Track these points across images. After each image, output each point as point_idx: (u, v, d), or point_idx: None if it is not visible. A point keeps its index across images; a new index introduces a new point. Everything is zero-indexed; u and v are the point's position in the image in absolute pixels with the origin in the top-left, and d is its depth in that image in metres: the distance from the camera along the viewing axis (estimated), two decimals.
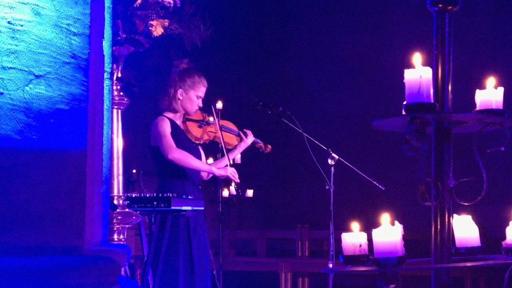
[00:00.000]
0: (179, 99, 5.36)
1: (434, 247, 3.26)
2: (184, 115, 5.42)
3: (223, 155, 5.65)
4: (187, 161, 5.27)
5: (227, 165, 5.46)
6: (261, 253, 9.74)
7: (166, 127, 5.28)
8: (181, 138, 5.35)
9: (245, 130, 5.66)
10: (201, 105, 5.43)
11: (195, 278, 5.28)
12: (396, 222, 3.04)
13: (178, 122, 5.39)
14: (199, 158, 5.47)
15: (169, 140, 5.24)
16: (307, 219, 10.11)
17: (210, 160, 5.81)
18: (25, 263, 2.97)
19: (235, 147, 5.62)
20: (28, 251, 3.03)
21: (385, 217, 3.03)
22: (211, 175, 5.68)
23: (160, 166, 5.37)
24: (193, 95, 5.36)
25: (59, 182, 3.11)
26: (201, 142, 5.50)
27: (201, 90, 5.39)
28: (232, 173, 5.40)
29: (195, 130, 5.41)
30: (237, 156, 5.97)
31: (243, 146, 5.62)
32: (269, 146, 5.80)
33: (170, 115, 5.38)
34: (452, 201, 3.26)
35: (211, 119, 5.48)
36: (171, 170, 5.32)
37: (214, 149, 5.81)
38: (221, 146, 5.53)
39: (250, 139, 5.63)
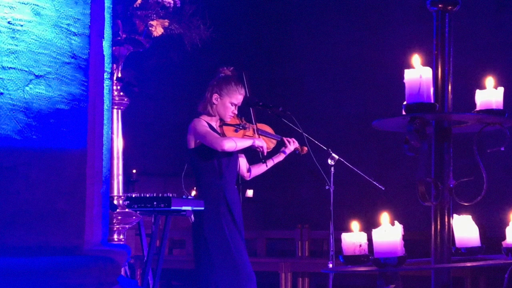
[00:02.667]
0: (214, 103, 5.43)
1: (434, 247, 3.26)
2: (220, 120, 5.48)
3: (258, 159, 5.67)
4: (237, 143, 5.34)
5: (266, 165, 5.56)
6: (261, 253, 9.73)
7: (205, 125, 5.36)
8: None
9: (288, 138, 5.70)
10: (236, 112, 5.47)
11: (241, 278, 5.29)
12: (396, 222, 3.04)
13: (215, 125, 5.44)
14: (236, 161, 5.52)
15: (214, 135, 5.31)
16: (307, 219, 10.11)
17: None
18: (25, 263, 2.97)
19: (274, 150, 5.67)
20: (28, 251, 3.03)
21: (384, 217, 3.03)
22: (253, 176, 5.74)
23: (198, 168, 5.40)
24: (227, 102, 5.42)
25: (59, 182, 3.11)
26: None
27: (236, 98, 5.44)
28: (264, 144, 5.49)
29: (231, 135, 5.44)
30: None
31: (286, 151, 5.70)
32: (305, 148, 5.81)
33: (206, 118, 5.44)
34: (452, 201, 3.26)
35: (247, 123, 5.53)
36: (209, 171, 5.36)
37: (252, 154, 5.83)
38: (258, 149, 5.53)
39: (293, 146, 5.70)
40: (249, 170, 5.72)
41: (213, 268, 5.23)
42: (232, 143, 5.31)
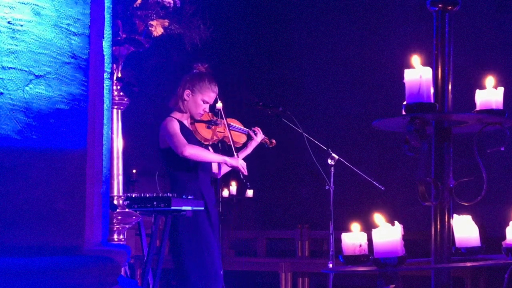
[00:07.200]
0: (185, 100, 5.33)
1: (434, 247, 3.26)
2: (191, 117, 5.41)
3: (230, 154, 5.66)
4: (202, 154, 5.26)
5: (237, 156, 5.46)
6: (261, 253, 9.74)
7: (175, 127, 5.26)
8: (190, 138, 5.32)
9: (253, 128, 5.65)
10: (207, 110, 5.39)
11: (209, 278, 5.30)
12: (396, 222, 3.04)
13: (186, 122, 5.37)
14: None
15: (180, 138, 5.22)
16: (307, 219, 10.11)
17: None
18: (25, 263, 2.97)
19: (244, 145, 5.62)
20: (28, 251, 3.02)
21: (378, 217, 3.03)
22: (222, 174, 5.68)
23: (173, 168, 5.35)
24: (199, 99, 5.33)
25: (59, 182, 3.11)
26: (211, 143, 5.48)
27: (209, 96, 5.35)
28: (242, 164, 5.40)
29: (203, 131, 5.40)
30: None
31: (253, 144, 5.62)
32: (274, 141, 5.79)
33: (177, 115, 5.36)
34: (452, 201, 3.26)
35: (218, 119, 5.47)
36: (184, 170, 5.31)
37: (222, 149, 5.80)
38: (231, 145, 5.51)
39: (259, 136, 5.63)
40: (219, 168, 5.64)
41: (183, 266, 5.22)
42: (196, 152, 5.21)
